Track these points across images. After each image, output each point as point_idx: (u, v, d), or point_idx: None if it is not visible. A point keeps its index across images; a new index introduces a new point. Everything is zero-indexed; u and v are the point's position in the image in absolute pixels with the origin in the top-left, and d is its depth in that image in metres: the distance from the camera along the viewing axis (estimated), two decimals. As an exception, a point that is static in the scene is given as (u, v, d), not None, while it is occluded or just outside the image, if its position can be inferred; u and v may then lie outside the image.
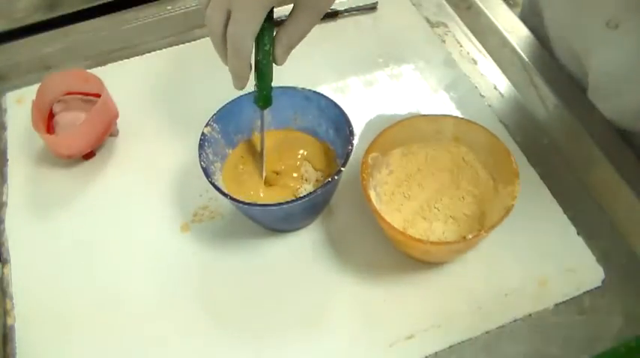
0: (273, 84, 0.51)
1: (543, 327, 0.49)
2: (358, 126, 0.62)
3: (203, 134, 0.53)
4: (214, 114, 0.54)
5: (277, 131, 0.57)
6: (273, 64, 0.49)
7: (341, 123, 0.54)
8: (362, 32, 0.72)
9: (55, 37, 0.72)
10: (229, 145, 0.55)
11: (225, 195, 0.49)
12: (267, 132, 0.55)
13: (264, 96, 0.51)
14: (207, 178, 0.50)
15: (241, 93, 0.52)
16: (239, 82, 0.49)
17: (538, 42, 0.67)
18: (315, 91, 0.55)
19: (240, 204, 0.49)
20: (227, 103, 0.54)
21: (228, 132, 0.55)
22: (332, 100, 0.54)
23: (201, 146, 0.52)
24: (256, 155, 0.56)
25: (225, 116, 0.54)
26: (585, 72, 0.60)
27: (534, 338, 0.49)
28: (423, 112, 0.54)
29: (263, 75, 0.49)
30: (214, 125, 0.54)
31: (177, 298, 0.52)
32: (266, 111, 0.53)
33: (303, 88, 0.56)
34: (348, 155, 0.50)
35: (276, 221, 0.53)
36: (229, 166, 0.55)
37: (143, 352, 0.49)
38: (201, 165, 0.51)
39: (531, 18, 0.69)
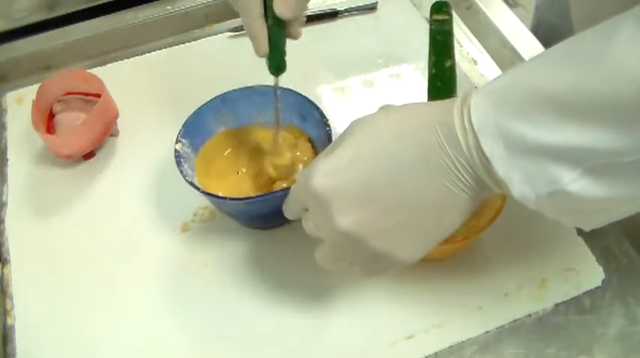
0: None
1: (543, 327, 0.49)
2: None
3: (177, 151, 0.52)
4: (181, 129, 0.53)
5: (263, 129, 0.57)
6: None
7: (305, 108, 0.53)
8: (362, 32, 0.72)
9: (55, 37, 0.71)
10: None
11: (231, 199, 0.50)
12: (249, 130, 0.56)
13: (275, 63, 0.49)
14: (200, 191, 0.50)
15: (203, 102, 0.54)
16: (255, 43, 0.47)
17: (540, 43, 0.67)
18: (268, 85, 0.53)
19: (247, 203, 0.50)
20: (190, 116, 0.54)
21: (196, 145, 0.54)
22: (289, 89, 0.54)
23: (179, 163, 0.51)
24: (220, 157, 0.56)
25: (191, 129, 0.54)
26: None
27: (534, 338, 0.49)
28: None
29: (270, 41, 0.48)
30: (184, 140, 0.53)
31: (177, 297, 0.52)
32: (231, 111, 0.54)
33: (259, 85, 0.55)
34: (329, 137, 0.50)
35: (261, 217, 0.53)
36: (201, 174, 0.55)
37: (143, 351, 0.49)
38: (187, 181, 0.50)
39: (550, 17, 0.68)
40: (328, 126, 0.52)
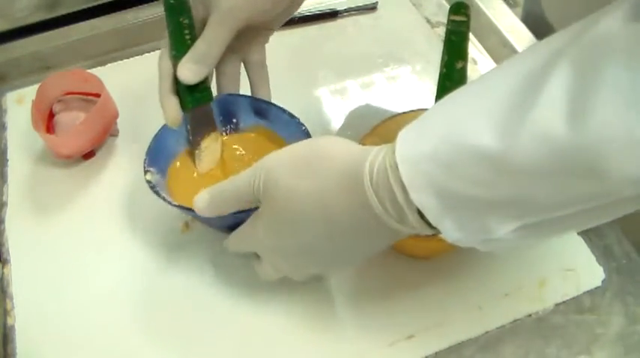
0: None
1: (543, 327, 0.49)
2: (358, 126, 0.62)
3: (150, 182, 0.50)
4: (145, 157, 0.51)
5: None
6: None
7: (255, 105, 0.54)
8: (362, 32, 0.72)
9: (55, 37, 0.71)
10: None
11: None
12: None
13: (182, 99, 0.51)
14: (191, 213, 0.48)
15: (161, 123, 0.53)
16: (164, 112, 0.51)
17: (534, 36, 0.67)
18: (228, 94, 0.56)
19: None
20: (151, 142, 0.53)
21: (163, 171, 0.53)
22: (232, 95, 0.55)
23: (157, 193, 0.49)
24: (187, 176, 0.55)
25: (155, 156, 0.52)
26: None
27: (534, 338, 0.49)
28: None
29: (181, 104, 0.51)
30: (152, 169, 0.51)
31: (178, 297, 0.52)
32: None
33: (217, 96, 0.55)
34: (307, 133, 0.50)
35: None
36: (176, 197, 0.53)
37: (144, 351, 0.49)
38: (173, 205, 0.49)
39: (536, 8, 0.69)
40: (292, 116, 0.53)
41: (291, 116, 0.54)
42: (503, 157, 0.31)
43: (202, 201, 0.45)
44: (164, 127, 0.53)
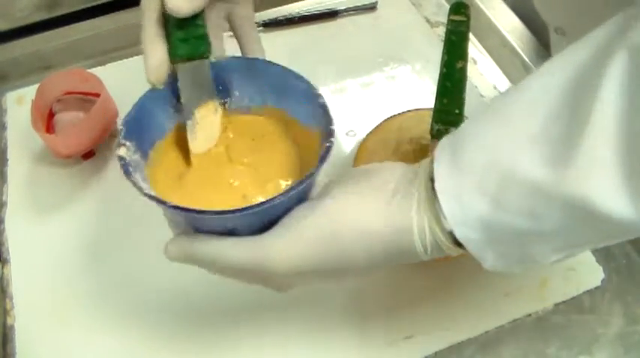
0: None
1: (543, 327, 0.49)
2: (356, 126, 0.62)
3: (122, 159, 0.38)
4: (121, 128, 0.39)
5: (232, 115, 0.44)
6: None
7: (280, 77, 0.41)
8: (362, 32, 0.72)
9: (55, 37, 0.71)
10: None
11: (202, 212, 0.37)
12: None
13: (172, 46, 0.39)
14: (167, 205, 0.36)
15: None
16: (145, 61, 0.40)
17: (537, 40, 0.67)
18: (234, 56, 0.44)
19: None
20: (131, 109, 0.41)
21: (144, 151, 0.41)
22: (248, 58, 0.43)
23: (127, 174, 0.37)
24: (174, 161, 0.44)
25: (134, 128, 0.40)
26: None
27: (534, 338, 0.49)
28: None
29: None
30: (127, 143, 0.39)
31: (179, 297, 0.52)
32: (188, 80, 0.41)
33: (221, 58, 0.44)
34: (330, 132, 0.39)
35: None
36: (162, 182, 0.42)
37: (144, 350, 0.49)
38: (145, 194, 0.36)
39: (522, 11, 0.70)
40: (324, 107, 0.41)
41: (306, 83, 0.41)
42: (554, 188, 0.29)
43: (169, 253, 0.39)
44: (149, 92, 0.41)
